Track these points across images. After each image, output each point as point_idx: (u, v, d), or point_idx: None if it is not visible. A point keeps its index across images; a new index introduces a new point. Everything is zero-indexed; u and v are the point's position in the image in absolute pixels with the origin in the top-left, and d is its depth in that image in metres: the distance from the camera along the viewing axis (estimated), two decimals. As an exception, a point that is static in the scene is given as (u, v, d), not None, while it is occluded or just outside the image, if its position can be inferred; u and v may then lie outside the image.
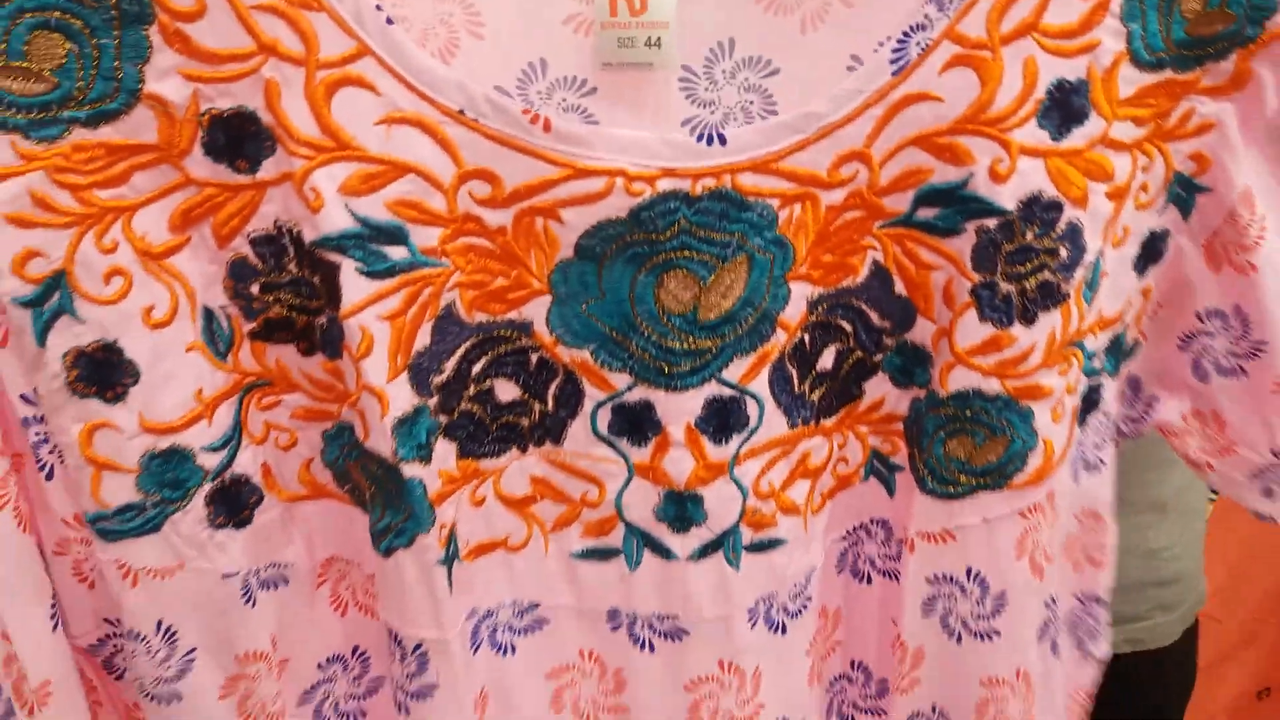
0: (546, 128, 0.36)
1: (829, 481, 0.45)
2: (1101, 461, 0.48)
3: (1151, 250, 0.44)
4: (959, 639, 0.46)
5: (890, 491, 0.46)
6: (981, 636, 0.46)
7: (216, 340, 0.39)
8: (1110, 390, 0.47)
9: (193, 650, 0.43)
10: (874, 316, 0.41)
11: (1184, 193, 0.42)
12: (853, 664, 0.51)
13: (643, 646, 0.45)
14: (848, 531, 0.47)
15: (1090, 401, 0.46)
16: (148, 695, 0.43)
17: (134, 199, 0.36)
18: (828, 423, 0.43)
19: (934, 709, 0.49)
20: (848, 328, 0.42)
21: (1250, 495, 0.51)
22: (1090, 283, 0.41)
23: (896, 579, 0.47)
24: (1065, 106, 0.37)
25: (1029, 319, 0.40)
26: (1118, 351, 0.46)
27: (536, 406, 0.41)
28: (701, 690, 0.45)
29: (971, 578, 0.45)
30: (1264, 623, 1.45)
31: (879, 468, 0.45)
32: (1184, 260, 0.45)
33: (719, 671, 0.45)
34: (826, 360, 0.42)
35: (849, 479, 0.45)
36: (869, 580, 0.48)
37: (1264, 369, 0.46)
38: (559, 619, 0.45)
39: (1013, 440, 0.42)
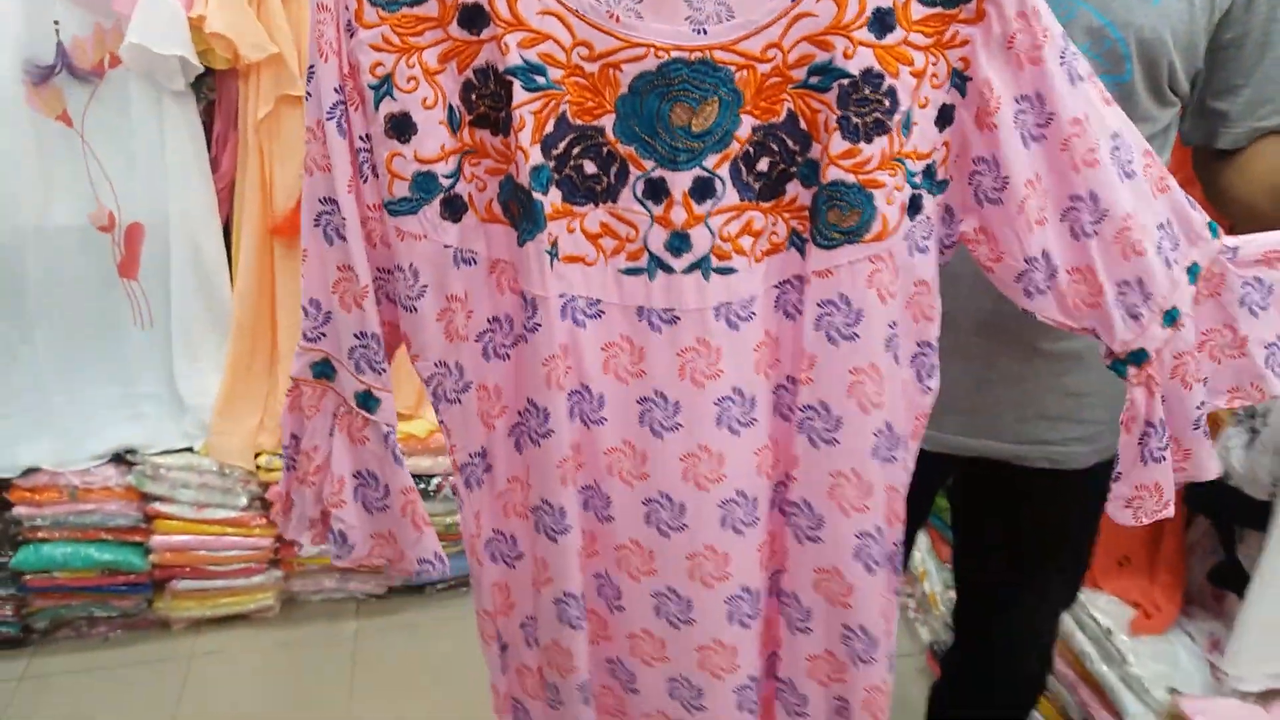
0: (616, 20, 0.72)
1: (766, 244, 0.78)
2: (927, 248, 0.80)
3: (945, 115, 0.77)
4: (835, 343, 0.79)
5: (802, 255, 0.78)
6: (848, 338, 0.79)
7: (453, 121, 0.75)
8: (930, 204, 0.79)
9: (425, 285, 0.79)
10: (790, 141, 0.76)
11: (959, 81, 0.76)
12: (787, 379, 0.82)
13: (655, 329, 0.79)
14: (780, 283, 0.79)
15: (915, 205, 0.78)
16: (403, 307, 0.80)
17: (424, 44, 0.73)
18: (765, 205, 0.77)
19: (821, 403, 0.80)
20: (775, 147, 0.76)
21: (1017, 295, 0.83)
22: (905, 125, 0.75)
23: (801, 314, 0.79)
24: (882, 21, 0.72)
25: (869, 139, 0.74)
26: (931, 178, 0.79)
27: (605, 178, 0.76)
28: (687, 356, 0.79)
29: (841, 299, 0.78)
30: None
31: (796, 241, 0.78)
32: (964, 124, 0.77)
33: (696, 345, 0.79)
34: (763, 165, 0.76)
35: (779, 246, 0.79)
36: (791, 317, 0.80)
37: (1011, 198, 0.78)
38: (610, 311, 0.79)
39: (863, 211, 0.76)
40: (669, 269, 0.77)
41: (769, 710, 0.94)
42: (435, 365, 0.82)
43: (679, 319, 0.78)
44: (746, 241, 0.77)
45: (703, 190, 0.75)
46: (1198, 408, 0.84)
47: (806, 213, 0.77)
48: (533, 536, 0.85)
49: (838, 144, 0.74)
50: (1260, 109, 1.08)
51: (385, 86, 0.73)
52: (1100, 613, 1.72)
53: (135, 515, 2.13)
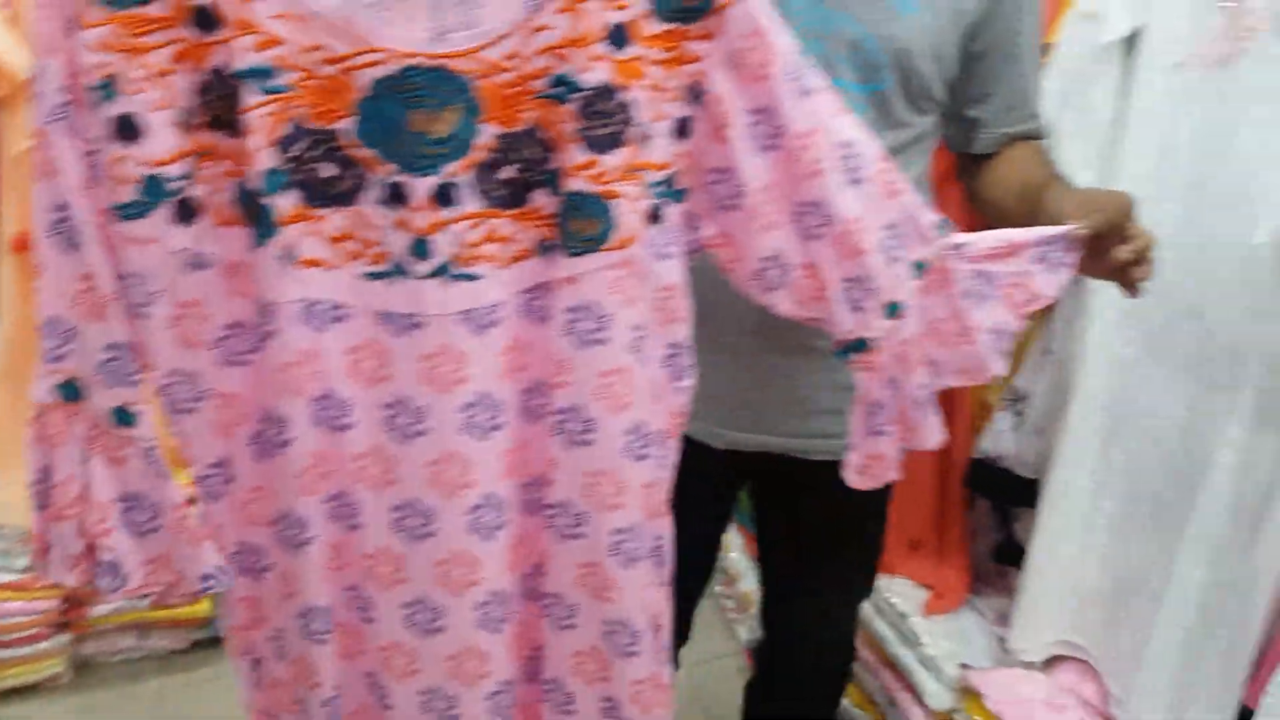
0: (353, 25, 0.71)
1: (513, 251, 0.79)
2: (670, 255, 0.83)
3: (683, 128, 0.80)
4: (584, 347, 0.81)
5: (551, 263, 0.79)
6: (596, 343, 0.81)
7: (186, 122, 0.73)
8: (672, 212, 0.82)
9: (157, 291, 0.77)
10: (533, 150, 0.77)
11: (694, 95, 0.79)
12: (536, 382, 0.84)
13: (399, 334, 0.79)
14: (530, 289, 0.81)
15: (657, 214, 0.81)
16: (136, 313, 0.76)
17: (153, 44, 0.71)
18: (510, 212, 0.78)
19: (574, 407, 0.83)
20: (518, 156, 0.77)
21: (755, 290, 0.87)
22: (643, 138, 0.77)
23: (551, 319, 0.80)
24: (618, 36, 0.74)
25: (607, 151, 0.76)
26: (672, 188, 0.81)
27: (344, 181, 0.75)
28: (431, 362, 0.80)
29: (587, 306, 0.80)
30: (920, 485, 1.82)
31: (545, 248, 0.80)
32: (701, 136, 0.80)
33: (440, 351, 0.79)
34: (507, 173, 0.77)
35: (528, 253, 0.80)
36: (540, 322, 0.82)
37: (746, 205, 0.82)
38: (354, 315, 0.79)
39: (604, 221, 0.78)
40: (411, 274, 0.77)
41: (534, 714, 0.95)
42: (168, 374, 0.80)
43: (422, 324, 0.78)
44: (491, 248, 0.78)
45: (443, 197, 0.76)
46: (919, 388, 0.91)
47: (554, 221, 0.78)
48: (277, 549, 0.84)
49: (577, 155, 0.76)
50: (1009, 115, 1.17)
51: (111, 87, 0.70)
52: (896, 596, 1.80)
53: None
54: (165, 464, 0.82)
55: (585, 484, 0.85)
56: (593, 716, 0.94)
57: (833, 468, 1.25)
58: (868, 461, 0.94)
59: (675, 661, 1.57)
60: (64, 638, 2.09)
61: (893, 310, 0.88)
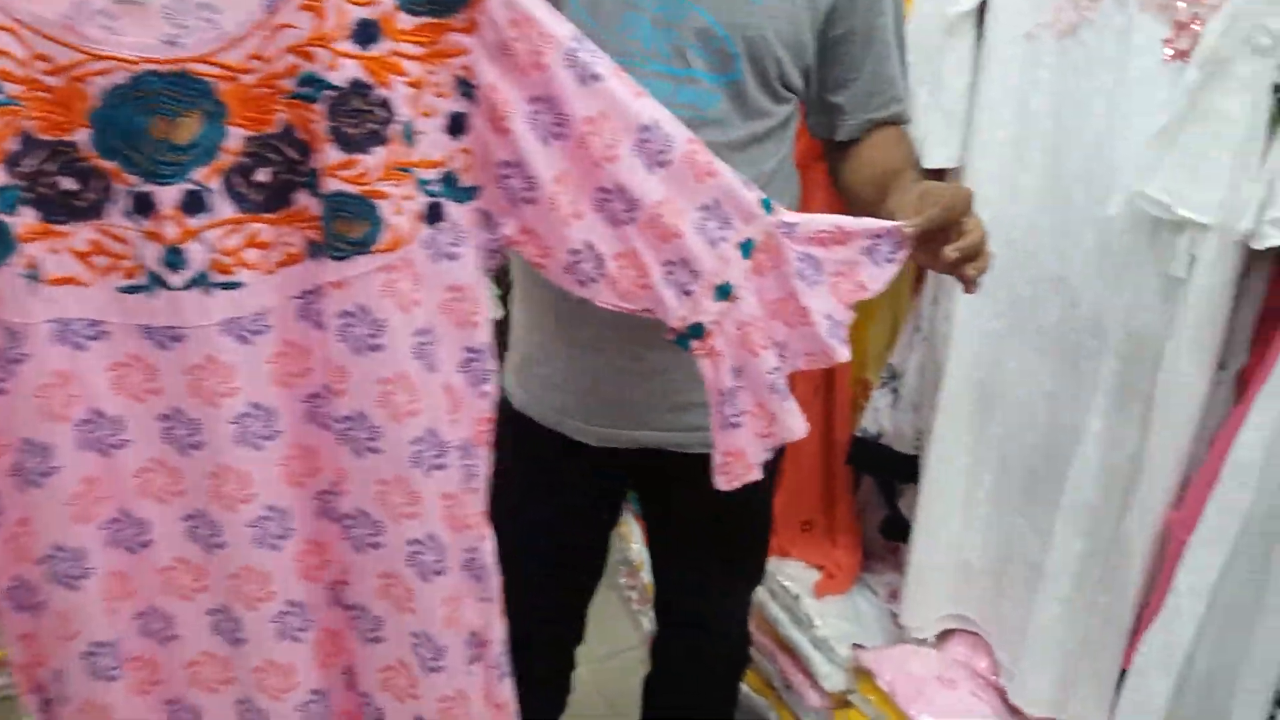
0: (77, 33, 0.67)
1: (279, 255, 0.76)
2: (458, 255, 0.80)
3: (458, 123, 0.77)
4: (361, 354, 0.78)
5: (318, 266, 0.76)
6: (373, 349, 0.78)
7: None
8: (458, 210, 0.79)
9: None
10: (289, 151, 0.73)
11: (465, 89, 0.76)
12: (322, 387, 0.81)
13: (163, 347, 0.76)
14: (303, 294, 0.77)
15: (435, 212, 0.78)
16: None
17: None
18: (271, 216, 0.75)
19: (359, 414, 0.80)
20: (274, 157, 0.73)
21: (571, 285, 0.84)
22: (407, 135, 0.74)
23: (325, 326, 0.77)
24: (365, 32, 0.70)
25: (366, 150, 0.73)
26: (454, 185, 0.79)
27: (86, 194, 0.71)
28: (198, 374, 0.76)
29: (360, 310, 0.77)
30: (808, 466, 1.81)
31: (314, 251, 0.76)
32: (481, 131, 0.78)
33: (205, 363, 0.76)
34: (263, 176, 0.74)
35: (296, 257, 0.77)
36: (318, 327, 0.78)
37: (542, 196, 0.79)
38: (114, 331, 0.75)
39: (370, 222, 0.75)
40: (168, 286, 0.74)
41: None
42: None
43: (185, 337, 0.75)
44: (252, 254, 0.75)
45: (193, 204, 0.72)
46: (770, 372, 0.88)
47: (318, 223, 0.75)
48: (50, 585, 0.80)
49: (334, 155, 0.73)
50: (871, 101, 1.15)
51: None
52: (788, 579, 1.79)
53: None
54: None
55: (376, 493, 0.82)
56: None
57: (707, 460, 1.26)
58: (726, 458, 0.91)
59: (572, 660, 1.57)
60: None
61: (724, 292, 0.85)
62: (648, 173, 0.81)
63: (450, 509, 0.85)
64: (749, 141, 1.10)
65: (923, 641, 1.71)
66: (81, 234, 0.72)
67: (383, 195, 0.74)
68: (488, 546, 0.89)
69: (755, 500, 1.39)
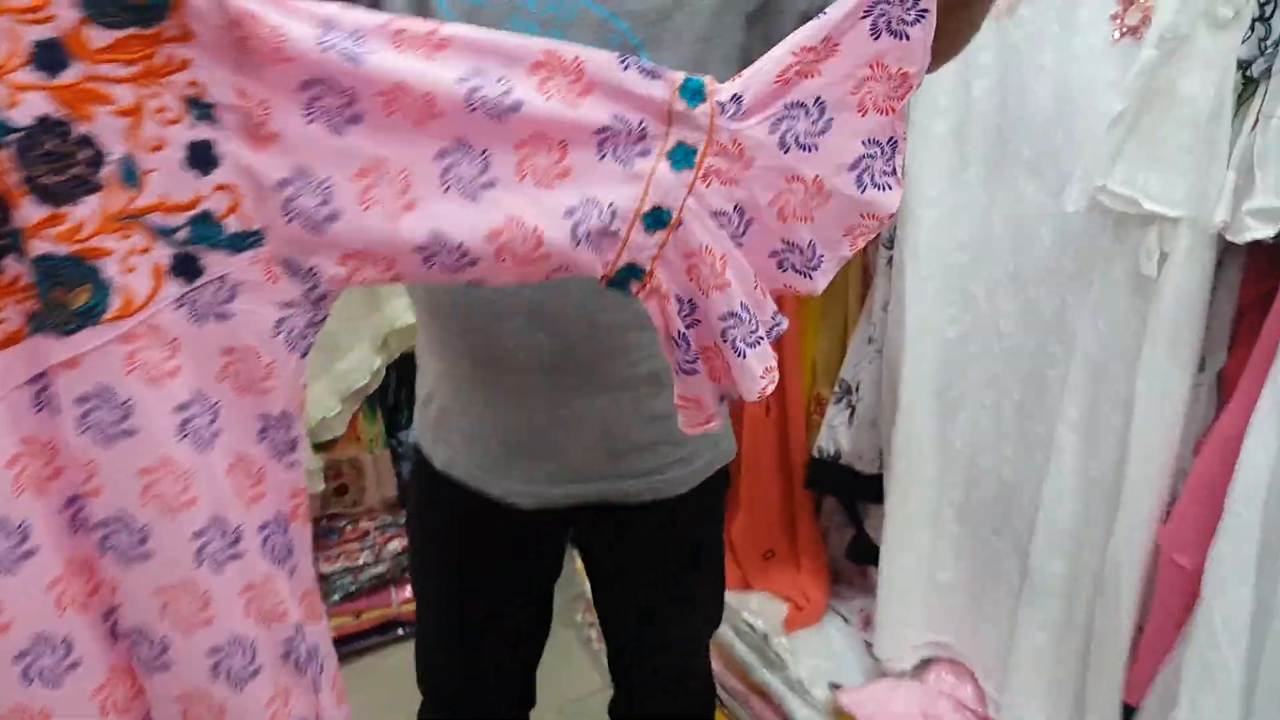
0: None
1: None
2: (231, 313, 0.64)
3: (203, 154, 0.61)
4: (110, 443, 0.62)
5: (51, 337, 0.61)
6: (124, 435, 0.62)
7: None
8: (225, 262, 0.63)
9: None
10: None
11: (202, 110, 0.60)
12: (77, 490, 0.65)
13: None
14: (34, 379, 0.62)
15: (189, 265, 0.62)
16: None
17: None
18: None
19: (120, 515, 0.64)
20: None
21: (447, 279, 0.68)
22: (128, 176, 0.59)
23: (59, 415, 0.62)
24: (49, 57, 0.55)
25: (73, 200, 0.57)
26: (216, 231, 0.62)
27: None
28: None
29: (101, 392, 0.61)
30: (764, 491, 1.67)
31: (37, 324, 0.61)
32: (239, 157, 0.61)
33: None
34: None
35: (16, 335, 0.61)
36: (57, 417, 0.63)
37: (346, 205, 0.63)
38: None
39: (93, 286, 0.59)
40: None
41: None
42: None
43: None
44: None
45: None
46: (721, 318, 0.70)
47: (35, 293, 0.60)
48: None
49: (33, 210, 0.57)
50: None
51: None
52: (755, 615, 1.64)
53: None
54: None
55: (158, 605, 0.67)
56: None
57: (657, 508, 1.12)
58: (683, 404, 0.75)
59: None
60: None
61: (657, 219, 0.67)
62: (496, 120, 0.64)
63: (255, 602, 0.70)
64: None
65: (902, 674, 1.56)
66: None
67: (103, 252, 0.59)
68: (311, 629, 0.75)
69: (705, 535, 1.24)
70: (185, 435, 0.64)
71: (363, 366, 1.89)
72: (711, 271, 0.69)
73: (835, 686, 1.54)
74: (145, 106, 0.58)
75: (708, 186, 0.68)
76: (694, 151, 0.68)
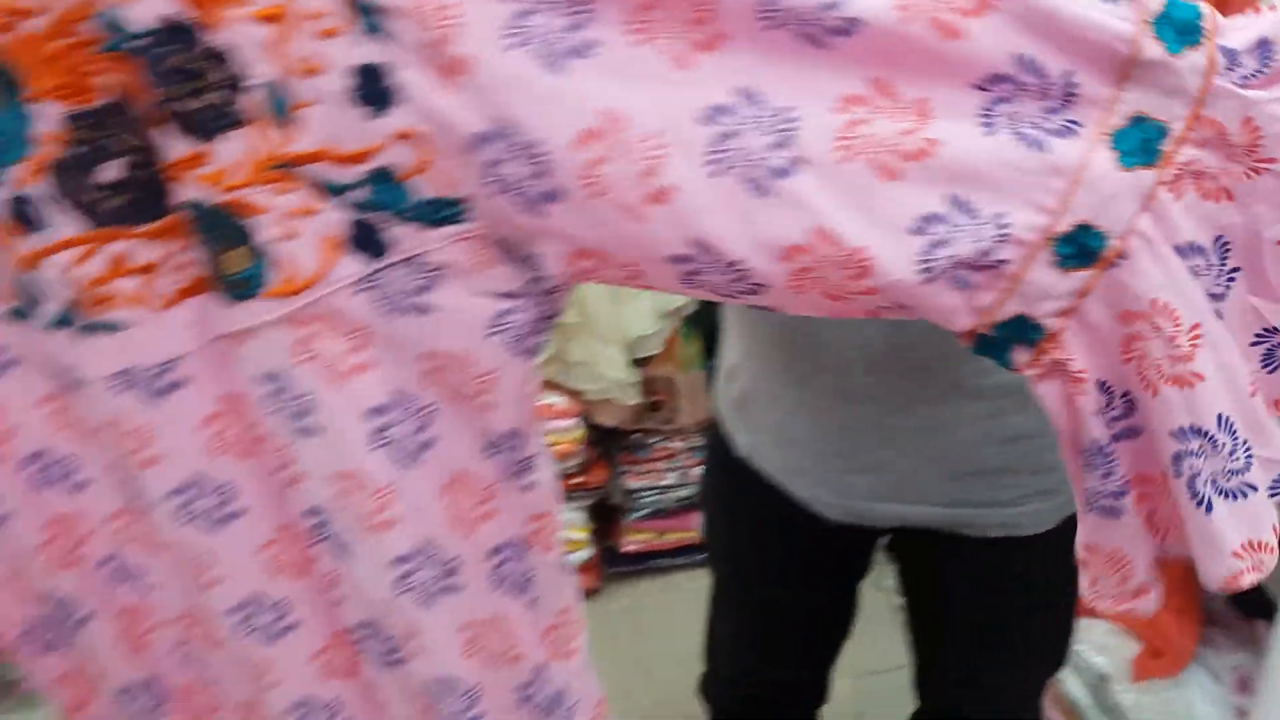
0: None
1: (176, 281, 0.49)
2: (431, 309, 0.48)
3: (375, 84, 0.44)
4: (302, 435, 0.50)
5: (228, 303, 0.49)
6: (311, 433, 0.50)
7: None
8: (418, 237, 0.47)
9: None
10: (132, 134, 0.46)
11: (373, 19, 0.43)
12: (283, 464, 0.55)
13: (68, 390, 0.53)
14: (226, 334, 0.51)
15: (369, 237, 0.47)
16: None
17: None
18: (143, 229, 0.48)
19: (317, 510, 0.53)
20: (121, 144, 0.46)
21: (703, 293, 0.48)
22: (277, 108, 0.44)
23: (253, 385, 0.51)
24: None
25: (212, 135, 0.44)
26: (399, 192, 0.46)
27: None
28: (108, 434, 0.52)
29: (278, 376, 0.49)
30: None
31: (219, 280, 0.49)
32: (424, 90, 0.44)
33: (110, 423, 0.52)
34: (110, 172, 0.47)
35: (202, 284, 0.49)
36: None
37: (567, 172, 0.44)
38: (24, 360, 0.53)
39: (248, 252, 0.46)
40: (37, 320, 0.51)
41: None
42: None
43: (81, 384, 0.52)
44: (130, 284, 0.49)
45: (20, 217, 0.47)
46: (1178, 433, 0.42)
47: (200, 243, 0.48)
48: (55, 632, 0.63)
49: (173, 144, 0.44)
50: None
51: None
52: (1095, 651, 1.36)
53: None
54: None
55: (376, 615, 0.56)
56: None
57: (1002, 545, 0.91)
58: (1089, 555, 0.50)
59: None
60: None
61: (1083, 247, 0.41)
62: (812, 48, 0.40)
63: (477, 640, 0.57)
64: None
65: (1284, 760, 1.24)
66: None
67: (255, 209, 0.45)
68: (559, 669, 0.61)
69: (1063, 577, 0.99)
70: (382, 446, 0.50)
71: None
72: (1169, 349, 0.41)
73: (1187, 759, 1.25)
74: (295, 13, 0.42)
75: (1179, 199, 0.41)
76: (1163, 134, 0.40)
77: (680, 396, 2.10)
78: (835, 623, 1.16)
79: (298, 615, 0.58)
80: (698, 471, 2.08)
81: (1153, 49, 0.39)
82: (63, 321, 0.50)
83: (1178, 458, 0.42)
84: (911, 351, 0.82)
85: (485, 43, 0.41)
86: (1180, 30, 0.39)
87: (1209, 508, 0.42)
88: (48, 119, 0.45)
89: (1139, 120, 0.40)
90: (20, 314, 0.51)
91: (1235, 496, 0.42)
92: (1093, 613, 1.39)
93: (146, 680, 0.64)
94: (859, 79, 0.41)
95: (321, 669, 0.60)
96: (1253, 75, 0.40)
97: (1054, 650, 1.08)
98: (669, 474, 2.10)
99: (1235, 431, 0.42)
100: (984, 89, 0.40)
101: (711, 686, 1.22)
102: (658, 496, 2.09)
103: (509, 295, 0.48)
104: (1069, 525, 0.88)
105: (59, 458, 0.56)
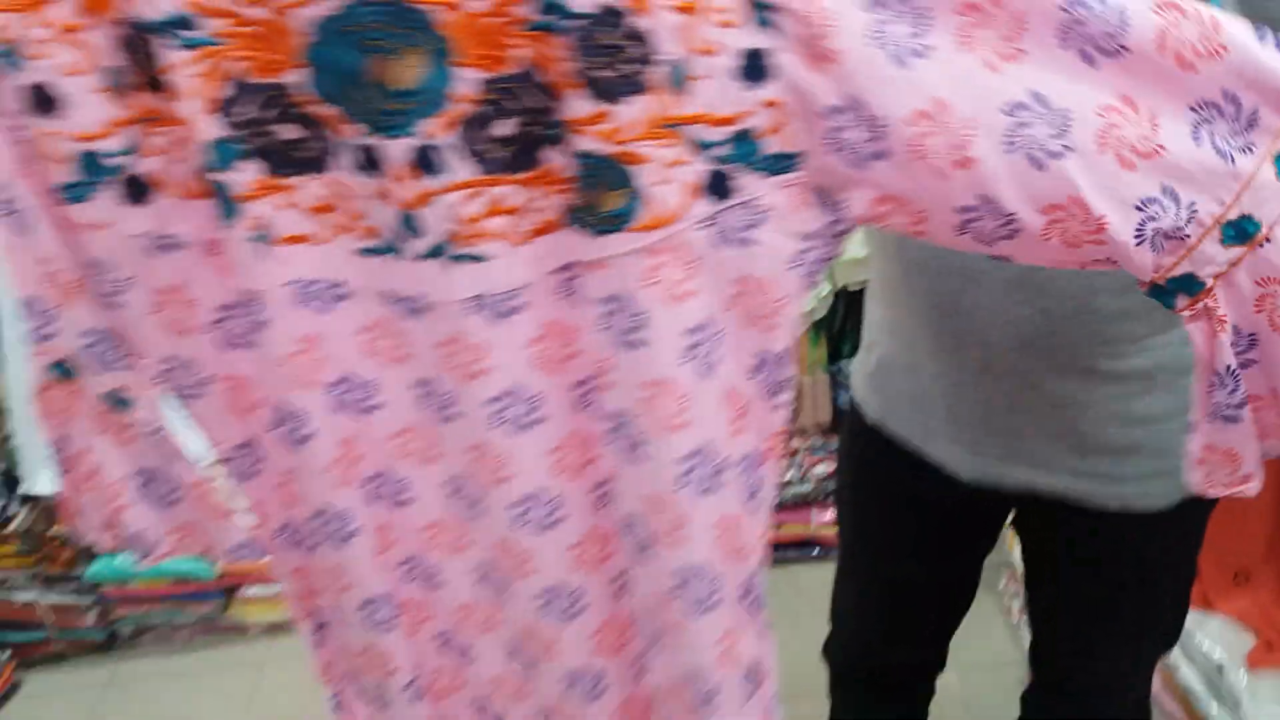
0: None
1: (532, 222, 0.59)
2: (752, 240, 0.59)
3: (757, 65, 0.54)
4: (625, 349, 0.61)
5: (583, 234, 0.59)
6: (636, 345, 0.60)
7: (117, 85, 0.59)
8: (763, 185, 0.57)
9: (127, 279, 0.65)
10: (531, 98, 0.55)
11: (763, 13, 0.53)
12: (589, 377, 0.65)
13: (410, 316, 0.63)
14: (563, 266, 0.61)
15: (720, 184, 0.57)
16: (105, 301, 0.65)
17: None
18: (519, 177, 0.57)
19: (622, 413, 0.64)
20: (515, 106, 0.55)
21: (974, 247, 0.59)
22: (676, 80, 0.53)
23: (590, 308, 0.61)
24: None
25: (619, 99, 0.53)
26: (753, 151, 0.56)
27: (310, 144, 0.58)
28: (446, 349, 0.62)
29: (620, 299, 0.59)
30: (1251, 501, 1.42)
31: (572, 217, 0.59)
32: (795, 72, 0.54)
33: (454, 340, 0.62)
34: (504, 129, 0.56)
35: (553, 224, 0.59)
36: (582, 309, 0.62)
37: (898, 140, 0.54)
38: (358, 294, 0.63)
39: (628, 193, 0.55)
40: (406, 253, 0.60)
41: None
42: (163, 361, 0.68)
43: (430, 308, 0.62)
44: (498, 223, 0.58)
45: (425, 162, 0.56)
46: None
47: (574, 188, 0.57)
48: (320, 540, 0.72)
49: (582, 105, 0.54)
50: None
51: (12, 54, 0.57)
52: (1211, 641, 1.41)
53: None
54: (174, 443, 0.74)
55: (645, 509, 0.66)
56: None
57: (1122, 519, 0.98)
58: (1206, 454, 0.63)
59: (932, 689, 1.34)
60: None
61: (1241, 231, 0.55)
62: (1096, 54, 0.53)
63: (726, 536, 0.67)
64: None
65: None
66: (309, 188, 0.60)
67: (641, 159, 0.54)
68: (762, 577, 0.73)
69: (1179, 557, 1.06)
70: (690, 360, 0.60)
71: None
72: None
73: (1302, 746, 1.30)
74: (703, 5, 0.52)
75: None
76: None
77: (804, 397, 2.19)
78: (957, 598, 1.22)
79: (565, 511, 0.69)
80: (818, 470, 2.19)
81: None
82: (434, 253, 0.59)
83: None
84: (1054, 336, 0.89)
85: (853, 40, 0.53)
86: None
87: None
88: (466, 82, 0.55)
89: None
90: (374, 251, 0.61)
91: None
92: (1209, 605, 1.45)
93: (387, 594, 0.74)
94: (1115, 94, 0.54)
95: (575, 560, 0.71)
96: None
97: (1165, 627, 1.13)
98: (789, 470, 2.20)
99: None
100: (1196, 110, 0.54)
101: (836, 653, 1.29)
102: (776, 492, 2.21)
103: (810, 235, 0.60)
104: (1183, 507, 0.97)
105: (361, 382, 0.67)
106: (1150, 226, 0.55)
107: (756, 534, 0.70)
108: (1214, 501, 1.01)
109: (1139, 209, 0.55)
